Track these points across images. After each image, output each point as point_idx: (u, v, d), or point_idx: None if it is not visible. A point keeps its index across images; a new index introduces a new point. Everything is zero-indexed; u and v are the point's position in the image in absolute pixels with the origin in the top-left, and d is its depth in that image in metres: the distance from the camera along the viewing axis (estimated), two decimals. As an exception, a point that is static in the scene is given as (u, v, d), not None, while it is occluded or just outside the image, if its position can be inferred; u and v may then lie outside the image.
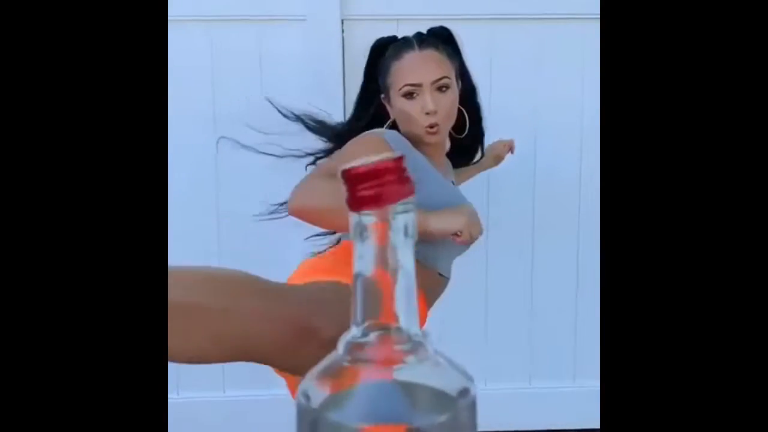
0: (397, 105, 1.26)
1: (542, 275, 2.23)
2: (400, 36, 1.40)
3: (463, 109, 1.31)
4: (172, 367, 2.39)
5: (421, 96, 1.23)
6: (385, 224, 0.37)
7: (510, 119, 2.16)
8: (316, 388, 0.39)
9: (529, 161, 2.18)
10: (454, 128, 1.34)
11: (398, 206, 0.37)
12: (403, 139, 1.28)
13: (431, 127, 1.23)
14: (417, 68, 1.24)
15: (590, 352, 2.11)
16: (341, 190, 1.21)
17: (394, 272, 0.38)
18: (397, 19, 2.07)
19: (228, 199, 2.14)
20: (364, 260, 0.38)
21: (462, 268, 2.26)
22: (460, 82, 1.31)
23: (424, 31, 1.34)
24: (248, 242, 2.14)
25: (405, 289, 0.39)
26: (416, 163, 1.23)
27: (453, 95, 1.26)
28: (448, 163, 1.41)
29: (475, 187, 2.18)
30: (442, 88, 1.24)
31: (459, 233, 1.09)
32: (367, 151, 1.20)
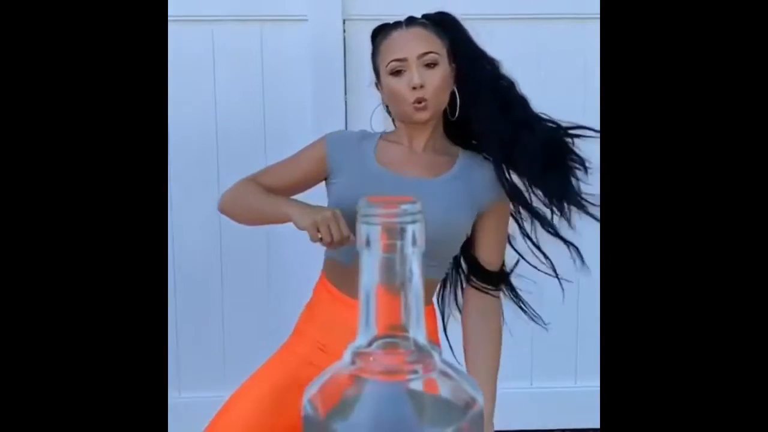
0: (386, 84, 1.25)
1: (542, 274, 2.22)
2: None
3: (456, 91, 1.27)
4: (172, 367, 2.39)
5: (408, 71, 1.21)
6: (393, 234, 0.37)
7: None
8: (322, 397, 0.39)
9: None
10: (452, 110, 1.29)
11: (406, 217, 0.37)
12: (347, 137, 1.31)
13: (419, 102, 1.20)
14: (403, 43, 1.23)
15: (590, 353, 2.11)
16: (257, 191, 1.13)
17: (402, 282, 0.38)
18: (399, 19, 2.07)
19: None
20: (371, 270, 0.38)
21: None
22: (454, 64, 1.27)
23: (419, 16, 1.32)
24: (250, 242, 2.14)
25: (412, 298, 0.38)
26: (353, 156, 1.27)
27: (443, 73, 1.23)
28: (437, 155, 1.30)
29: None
30: (430, 65, 1.21)
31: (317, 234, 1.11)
32: (310, 153, 1.30)
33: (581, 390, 2.21)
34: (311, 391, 0.39)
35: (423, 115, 1.21)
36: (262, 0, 2.03)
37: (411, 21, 1.27)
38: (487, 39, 2.22)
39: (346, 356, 0.39)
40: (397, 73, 1.22)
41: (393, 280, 0.38)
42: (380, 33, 1.30)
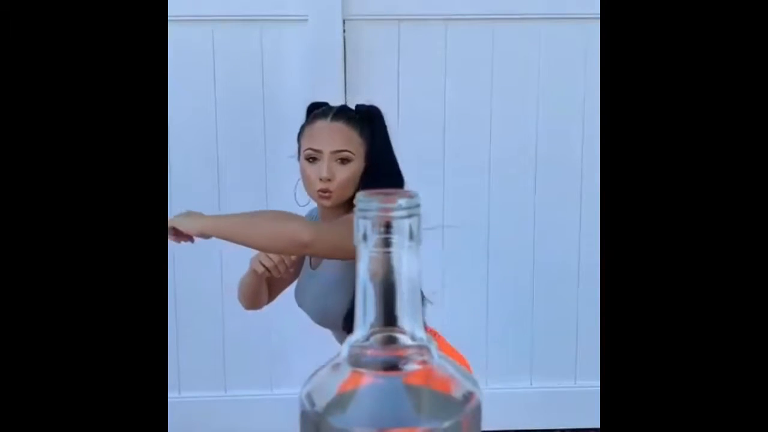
0: (301, 165, 1.37)
1: (543, 275, 2.23)
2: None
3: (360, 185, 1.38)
4: (172, 367, 2.39)
5: (320, 162, 1.32)
6: (389, 228, 0.37)
7: (511, 119, 2.16)
8: (319, 391, 0.39)
9: (530, 161, 2.18)
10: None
11: (402, 211, 0.37)
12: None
13: (323, 191, 1.32)
14: (322, 136, 1.34)
15: (590, 352, 2.11)
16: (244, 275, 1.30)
17: (399, 276, 0.38)
18: (398, 19, 2.07)
19: (229, 198, 2.14)
20: (367, 264, 0.38)
21: (463, 268, 2.27)
22: (368, 160, 1.36)
23: (353, 107, 1.42)
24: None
25: (409, 292, 0.38)
26: None
27: (353, 169, 1.33)
28: None
29: (476, 187, 2.18)
30: (343, 161, 1.32)
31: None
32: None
33: (581, 390, 2.21)
34: (308, 385, 0.39)
35: (326, 203, 1.34)
36: (262, 0, 2.03)
37: (338, 114, 1.37)
38: (488, 39, 2.23)
39: (344, 350, 0.39)
40: (311, 159, 1.34)
41: (390, 274, 0.38)
42: (311, 114, 1.41)
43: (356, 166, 1.33)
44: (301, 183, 1.41)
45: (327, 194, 1.32)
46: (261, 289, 1.50)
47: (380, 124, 1.39)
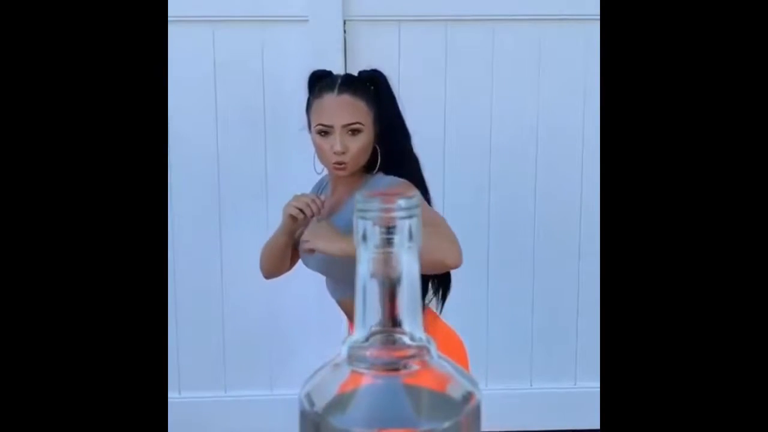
0: (313, 139, 1.42)
1: (543, 276, 2.23)
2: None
3: (378, 149, 1.41)
4: (172, 367, 2.39)
5: (332, 135, 1.36)
6: (388, 229, 0.37)
7: (511, 119, 2.16)
8: (319, 391, 0.39)
9: (530, 161, 2.18)
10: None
11: (401, 212, 0.37)
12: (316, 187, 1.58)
13: (338, 164, 1.37)
14: (331, 111, 1.37)
15: (590, 353, 2.11)
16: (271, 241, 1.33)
17: (398, 277, 0.38)
18: (398, 20, 2.07)
19: (229, 198, 2.14)
20: (367, 264, 0.38)
21: (463, 268, 2.27)
22: (378, 125, 1.41)
23: (356, 74, 1.45)
24: (250, 242, 2.14)
25: (408, 293, 0.38)
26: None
27: (365, 138, 1.38)
28: (345, 198, 1.46)
29: (475, 187, 2.18)
30: (354, 132, 1.37)
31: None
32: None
33: (581, 391, 2.21)
34: (308, 386, 0.39)
35: (341, 173, 1.40)
36: (262, 0, 2.03)
37: (341, 85, 1.40)
38: (488, 39, 2.23)
39: (343, 351, 0.39)
40: (323, 133, 1.38)
41: (389, 274, 0.38)
42: (315, 87, 1.43)
43: (367, 134, 1.38)
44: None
45: (342, 165, 1.37)
46: (287, 251, 1.50)
47: (385, 88, 1.43)
